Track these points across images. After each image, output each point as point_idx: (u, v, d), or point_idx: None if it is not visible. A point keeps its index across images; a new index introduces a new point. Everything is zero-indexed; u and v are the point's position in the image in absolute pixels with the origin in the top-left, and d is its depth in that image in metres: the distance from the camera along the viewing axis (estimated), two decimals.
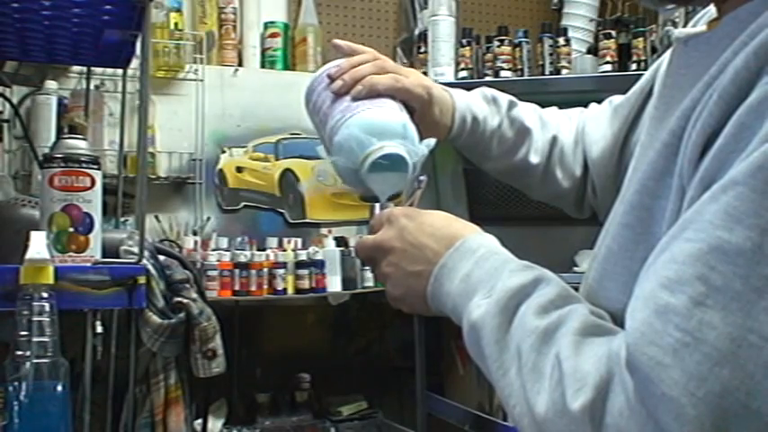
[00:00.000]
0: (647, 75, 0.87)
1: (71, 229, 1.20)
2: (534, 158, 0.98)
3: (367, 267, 2.31)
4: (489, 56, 2.34)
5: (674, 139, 0.57)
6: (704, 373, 0.45)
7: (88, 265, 1.21)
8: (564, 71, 2.31)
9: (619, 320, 0.58)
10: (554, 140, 0.99)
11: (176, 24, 2.31)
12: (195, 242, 2.18)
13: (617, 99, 0.96)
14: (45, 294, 1.04)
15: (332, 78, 0.89)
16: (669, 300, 0.48)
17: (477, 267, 0.67)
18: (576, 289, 0.65)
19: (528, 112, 0.99)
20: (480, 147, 0.97)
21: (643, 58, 2.25)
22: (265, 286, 2.18)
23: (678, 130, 0.57)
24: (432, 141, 0.85)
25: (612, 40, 2.29)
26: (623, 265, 0.61)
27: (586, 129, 0.99)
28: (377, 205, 0.82)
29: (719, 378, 0.45)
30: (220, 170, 2.40)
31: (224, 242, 2.22)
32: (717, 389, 0.45)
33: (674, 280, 0.48)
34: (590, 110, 1.02)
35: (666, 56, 0.77)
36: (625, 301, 0.55)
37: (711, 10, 0.69)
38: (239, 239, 2.25)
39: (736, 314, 0.46)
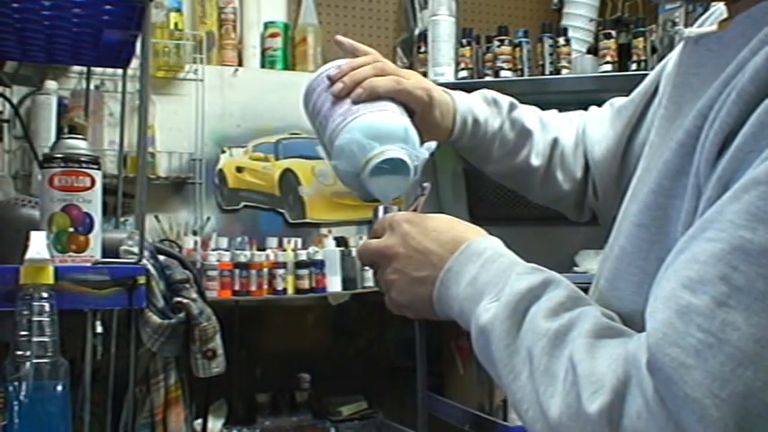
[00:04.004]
0: (651, 76, 0.86)
1: (71, 229, 1.20)
2: (535, 161, 0.97)
3: (367, 268, 2.31)
4: (489, 56, 2.34)
5: (690, 138, 0.56)
6: (727, 375, 0.45)
7: (88, 265, 1.21)
8: (564, 71, 2.31)
9: (631, 322, 0.58)
10: (555, 142, 0.98)
11: (176, 24, 2.31)
12: (195, 242, 2.18)
13: (618, 101, 0.95)
14: (45, 294, 1.04)
15: (331, 80, 0.89)
16: (691, 300, 0.47)
17: (484, 270, 0.67)
18: (582, 289, 0.64)
19: (529, 114, 0.99)
20: (481, 149, 0.97)
21: (643, 58, 2.25)
22: (265, 286, 2.17)
23: (694, 130, 0.56)
24: (432, 145, 0.84)
25: (612, 40, 2.29)
26: (637, 265, 0.61)
27: (587, 130, 0.98)
28: (380, 207, 0.82)
29: (743, 379, 0.45)
30: (220, 170, 2.40)
31: (224, 242, 2.22)
32: (740, 390, 0.44)
33: (695, 280, 0.48)
34: (590, 112, 1.02)
35: (672, 57, 0.76)
36: (639, 301, 0.55)
37: (721, 9, 0.69)
38: (239, 239, 2.25)
39: (760, 314, 0.45)
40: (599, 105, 1.01)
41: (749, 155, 0.49)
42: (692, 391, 0.45)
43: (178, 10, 2.33)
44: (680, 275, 0.49)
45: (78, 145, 1.27)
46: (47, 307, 1.04)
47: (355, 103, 0.85)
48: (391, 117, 0.84)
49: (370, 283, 2.32)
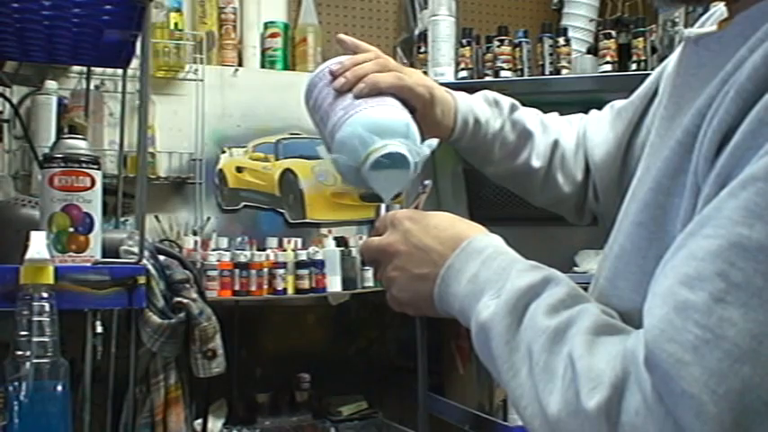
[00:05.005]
0: (651, 78, 0.87)
1: (71, 229, 1.20)
2: (536, 162, 0.97)
3: (367, 267, 2.31)
4: (489, 56, 2.34)
5: (689, 137, 0.57)
6: (725, 371, 0.45)
7: (88, 265, 1.20)
8: (564, 71, 2.30)
9: (631, 320, 0.58)
10: (555, 144, 0.98)
11: (176, 24, 2.31)
12: (195, 242, 2.18)
13: (619, 103, 0.96)
14: (45, 294, 1.04)
15: (334, 75, 0.89)
16: (689, 296, 0.48)
17: (485, 268, 0.67)
18: (582, 289, 0.64)
19: (529, 116, 0.99)
20: (482, 150, 0.97)
21: (643, 58, 2.25)
22: (265, 286, 2.17)
23: (693, 128, 0.56)
24: (434, 142, 0.85)
25: (612, 40, 2.29)
26: (636, 263, 0.61)
27: (588, 133, 0.99)
28: (383, 206, 0.82)
29: (740, 375, 0.45)
30: (220, 170, 2.40)
31: (224, 242, 2.22)
32: (737, 386, 0.45)
33: (693, 276, 0.48)
34: (591, 115, 1.02)
35: (672, 58, 0.77)
36: (638, 300, 0.55)
37: (721, 9, 0.69)
38: (239, 239, 2.25)
39: (757, 311, 0.45)
40: (599, 105, 1.01)
41: (747, 152, 0.49)
42: (690, 387, 0.45)
43: (178, 10, 2.33)
44: (678, 272, 0.49)
45: (78, 145, 1.26)
46: (47, 307, 1.03)
47: (357, 97, 0.85)
48: (393, 112, 0.84)
49: (370, 283, 2.32)
